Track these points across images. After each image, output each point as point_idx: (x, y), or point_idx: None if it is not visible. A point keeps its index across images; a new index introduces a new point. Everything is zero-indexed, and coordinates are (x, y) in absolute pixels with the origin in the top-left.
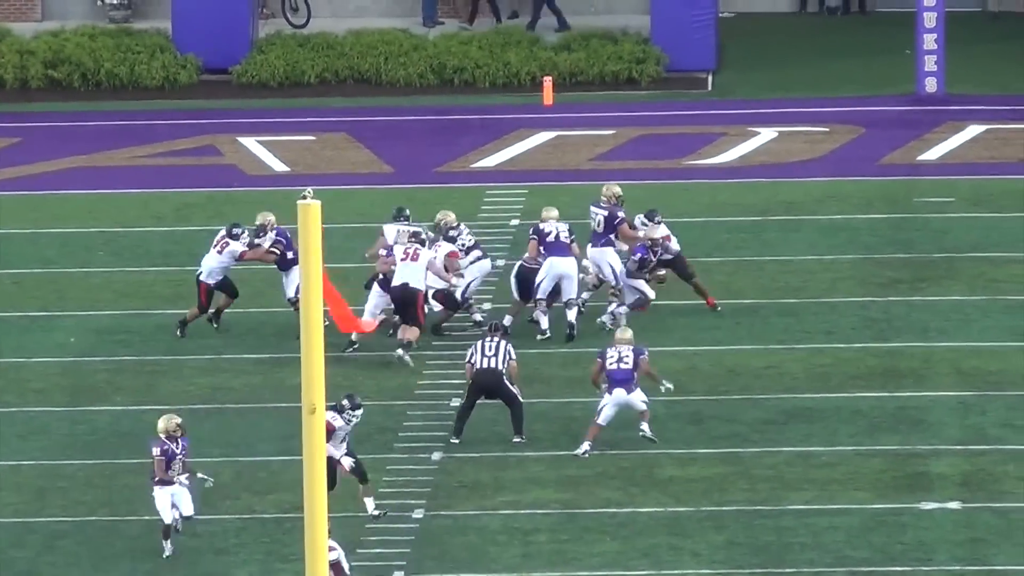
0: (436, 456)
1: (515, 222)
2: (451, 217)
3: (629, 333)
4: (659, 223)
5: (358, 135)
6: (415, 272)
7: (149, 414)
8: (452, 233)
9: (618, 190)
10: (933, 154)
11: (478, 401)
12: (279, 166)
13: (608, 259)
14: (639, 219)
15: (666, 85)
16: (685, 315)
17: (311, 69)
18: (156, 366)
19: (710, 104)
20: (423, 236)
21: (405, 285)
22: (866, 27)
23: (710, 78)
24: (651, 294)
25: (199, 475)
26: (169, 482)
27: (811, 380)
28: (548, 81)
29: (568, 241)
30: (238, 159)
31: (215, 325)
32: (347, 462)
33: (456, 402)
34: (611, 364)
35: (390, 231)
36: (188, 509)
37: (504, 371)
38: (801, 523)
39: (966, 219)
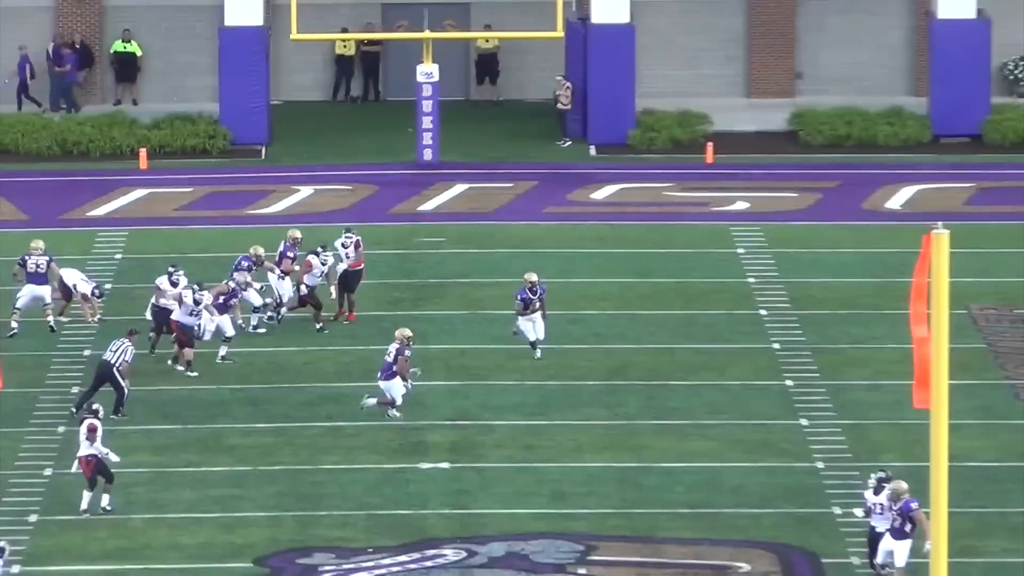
0: None
1: (119, 256)
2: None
3: (407, 332)
4: (351, 238)
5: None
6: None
7: None
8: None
9: (297, 234)
10: (430, 205)
11: None
12: None
13: (274, 284)
14: (338, 241)
15: (232, 154)
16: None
17: None
18: None
19: (264, 169)
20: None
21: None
22: (380, 111)
23: (264, 149)
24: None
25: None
26: None
27: (340, 376)
28: (143, 151)
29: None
30: None
31: None
32: (113, 457)
33: None
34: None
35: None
36: None
37: None
38: None
39: (454, 254)
